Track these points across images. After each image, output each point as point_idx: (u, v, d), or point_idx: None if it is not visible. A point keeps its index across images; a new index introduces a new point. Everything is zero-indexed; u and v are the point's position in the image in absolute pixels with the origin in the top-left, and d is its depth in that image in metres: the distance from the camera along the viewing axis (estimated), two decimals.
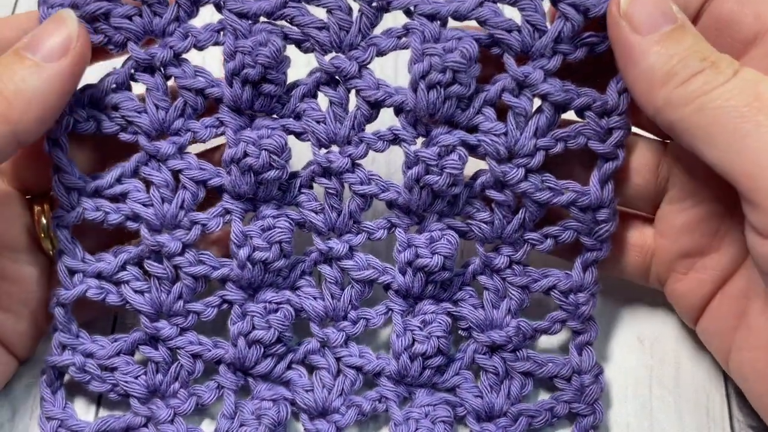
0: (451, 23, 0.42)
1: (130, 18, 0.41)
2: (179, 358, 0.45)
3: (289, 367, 0.46)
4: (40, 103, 0.38)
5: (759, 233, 0.37)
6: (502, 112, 0.43)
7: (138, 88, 0.43)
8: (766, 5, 0.40)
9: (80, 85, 0.41)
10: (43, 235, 0.44)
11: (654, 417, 0.47)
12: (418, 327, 0.44)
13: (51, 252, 0.44)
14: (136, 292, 0.44)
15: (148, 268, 0.44)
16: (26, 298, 0.44)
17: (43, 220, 0.44)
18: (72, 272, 0.43)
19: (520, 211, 0.44)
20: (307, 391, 0.45)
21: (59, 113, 0.40)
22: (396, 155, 0.45)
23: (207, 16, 0.43)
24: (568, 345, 0.46)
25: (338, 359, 0.46)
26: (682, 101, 0.37)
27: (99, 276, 0.44)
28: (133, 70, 0.42)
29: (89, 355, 0.44)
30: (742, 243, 0.41)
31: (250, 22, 0.41)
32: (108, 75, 0.42)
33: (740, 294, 0.42)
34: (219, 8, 0.41)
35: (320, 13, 0.42)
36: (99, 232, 0.44)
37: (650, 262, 0.47)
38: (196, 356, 0.45)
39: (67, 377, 0.45)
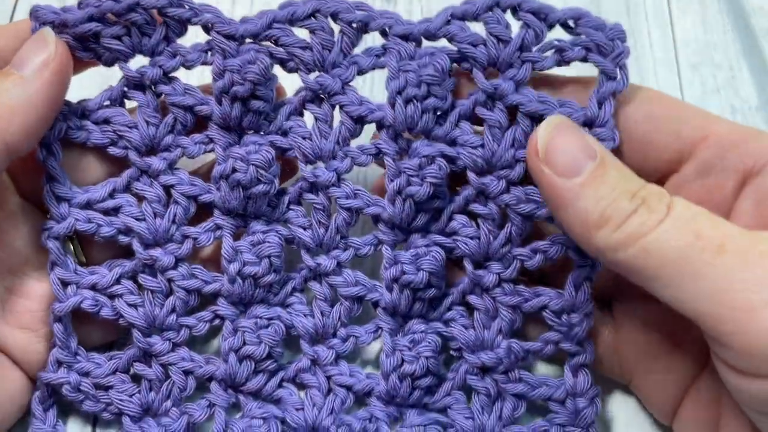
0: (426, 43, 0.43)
1: (119, 38, 0.43)
2: (171, 375, 0.45)
3: (279, 385, 0.46)
4: (25, 112, 0.40)
5: (733, 370, 0.36)
6: (481, 125, 0.43)
7: (132, 104, 0.45)
8: (684, 122, 0.41)
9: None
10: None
11: None
12: (407, 347, 0.44)
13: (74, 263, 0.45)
14: (129, 305, 0.45)
15: (142, 282, 0.45)
16: (46, 315, 0.44)
17: None
18: (65, 284, 0.44)
19: (506, 226, 0.44)
20: (297, 409, 0.45)
21: (47, 124, 0.41)
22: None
23: (192, 34, 0.45)
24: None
25: (329, 378, 0.45)
26: (622, 245, 0.36)
27: (94, 288, 0.45)
28: (125, 88, 0.44)
29: (85, 374, 0.44)
30: (702, 346, 0.40)
31: (236, 43, 0.43)
32: (104, 91, 0.44)
33: (712, 399, 0.41)
34: (207, 30, 0.43)
35: (303, 34, 0.43)
36: (109, 246, 0.45)
37: (614, 356, 0.45)
38: (187, 373, 0.45)
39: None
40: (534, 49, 0.42)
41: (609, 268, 0.39)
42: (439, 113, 0.43)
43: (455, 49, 0.42)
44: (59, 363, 0.45)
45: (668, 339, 0.43)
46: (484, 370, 0.45)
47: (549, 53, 0.42)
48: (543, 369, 0.48)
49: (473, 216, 0.45)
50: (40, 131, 0.41)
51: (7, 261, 0.43)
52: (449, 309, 0.46)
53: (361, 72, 0.43)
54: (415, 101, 0.41)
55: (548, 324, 0.44)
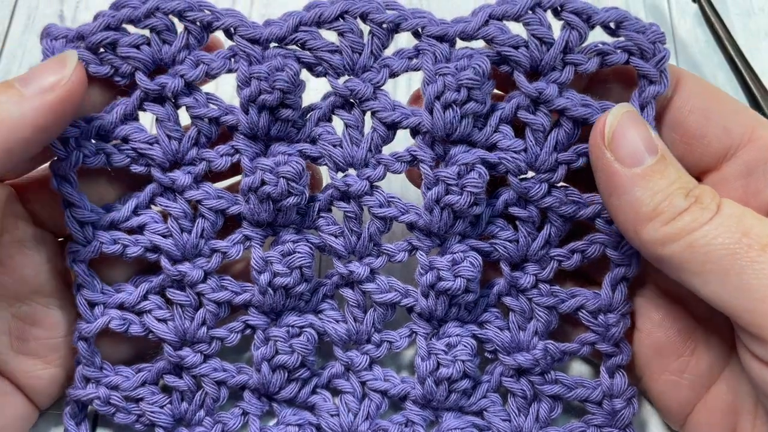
0: (460, 43, 0.41)
1: (137, 47, 0.40)
2: (203, 385, 0.45)
3: (313, 392, 0.45)
4: (10, 130, 0.37)
5: (762, 362, 0.37)
6: (519, 127, 0.42)
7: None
8: (734, 119, 0.40)
9: None
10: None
11: None
12: (443, 350, 0.43)
13: None
14: (159, 320, 0.44)
15: (170, 297, 0.44)
16: (56, 343, 0.44)
17: None
18: (92, 305, 0.43)
19: (545, 227, 0.43)
20: (332, 415, 0.45)
21: (33, 148, 0.38)
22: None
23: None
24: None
25: (363, 383, 0.45)
26: (670, 238, 0.37)
27: (121, 307, 0.44)
28: (141, 100, 0.42)
29: (114, 387, 0.44)
30: (719, 350, 0.42)
31: (261, 47, 0.40)
32: (115, 105, 0.42)
33: (727, 408, 0.41)
34: (229, 34, 0.41)
35: (329, 34, 0.41)
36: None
37: None
38: (220, 383, 0.45)
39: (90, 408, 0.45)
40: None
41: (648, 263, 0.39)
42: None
43: (491, 49, 0.40)
44: (87, 379, 0.44)
45: (687, 340, 0.43)
46: (520, 372, 0.45)
47: (592, 56, 0.40)
48: (574, 366, 0.48)
49: (510, 218, 0.44)
50: (20, 154, 0.38)
51: (16, 288, 0.42)
52: (484, 311, 0.45)
53: (393, 75, 0.41)
54: (454, 106, 0.40)
55: (585, 325, 0.44)
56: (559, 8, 0.39)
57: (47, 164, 0.42)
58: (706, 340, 0.42)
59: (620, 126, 0.38)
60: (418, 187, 0.44)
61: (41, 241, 0.42)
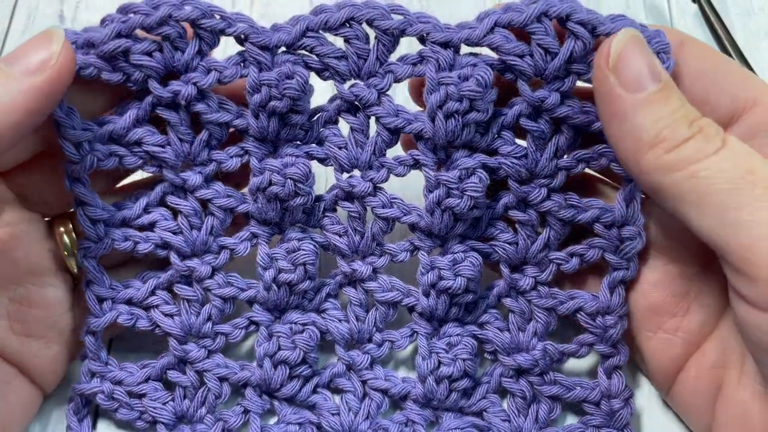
0: (464, 48, 0.42)
1: (150, 54, 0.40)
2: (206, 381, 0.45)
3: (314, 391, 0.46)
4: (1, 114, 0.36)
5: (750, 304, 0.36)
6: (519, 131, 0.43)
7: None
8: (740, 86, 0.40)
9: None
10: (66, 253, 0.44)
11: None
12: (444, 349, 0.44)
13: (75, 270, 0.44)
14: (165, 315, 0.45)
15: (178, 292, 0.45)
16: (54, 321, 0.44)
17: (66, 240, 0.44)
18: (101, 300, 0.44)
19: (545, 230, 0.44)
20: (333, 414, 0.45)
21: (24, 131, 0.37)
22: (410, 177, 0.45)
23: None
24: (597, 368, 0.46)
25: (364, 382, 0.46)
26: (672, 167, 0.36)
27: (129, 302, 0.45)
28: (153, 105, 0.42)
29: (118, 382, 0.45)
30: (712, 309, 0.42)
31: (270, 53, 0.42)
32: (127, 108, 0.42)
33: (715, 364, 0.42)
34: (240, 41, 0.42)
35: (333, 37, 0.42)
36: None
37: None
38: (222, 379, 0.45)
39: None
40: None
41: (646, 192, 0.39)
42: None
43: (495, 56, 0.41)
44: (93, 374, 0.45)
45: (681, 301, 0.43)
46: (520, 373, 0.45)
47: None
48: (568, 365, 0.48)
49: (510, 221, 0.45)
50: (10, 139, 0.37)
51: (9, 272, 0.42)
52: (484, 312, 0.46)
53: (397, 80, 0.43)
54: (456, 115, 0.41)
55: (583, 326, 0.45)
56: (565, 18, 0.39)
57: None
58: (699, 300, 0.43)
59: (625, 50, 0.37)
60: (418, 104, 0.44)
61: (30, 223, 0.42)
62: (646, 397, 0.47)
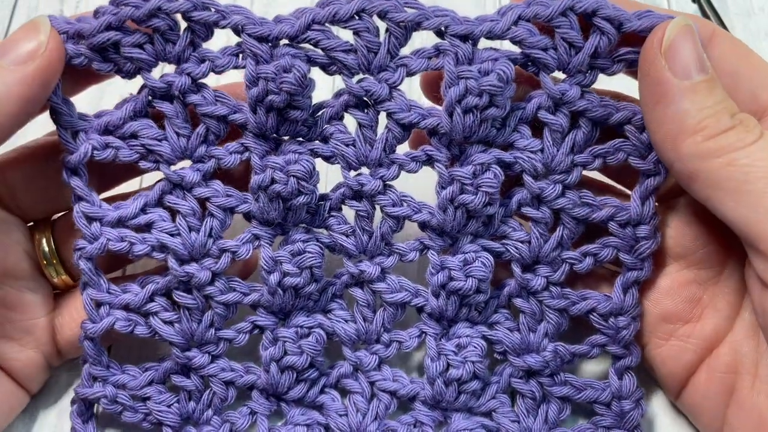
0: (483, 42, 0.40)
1: (141, 46, 0.39)
2: (211, 385, 0.44)
3: (322, 392, 0.45)
4: None
5: None
6: (535, 127, 0.42)
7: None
8: (763, 84, 0.40)
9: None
10: (45, 262, 0.44)
11: None
12: (453, 351, 0.43)
13: (54, 279, 0.44)
14: (165, 323, 0.43)
15: (177, 300, 0.43)
16: (29, 325, 0.43)
17: (45, 247, 0.44)
18: (98, 304, 0.43)
19: (558, 229, 0.43)
20: (341, 415, 0.44)
21: (20, 120, 0.38)
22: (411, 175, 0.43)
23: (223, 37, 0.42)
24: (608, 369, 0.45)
25: (372, 383, 0.45)
26: (712, 153, 0.37)
27: (126, 308, 0.43)
28: (150, 97, 0.41)
29: (121, 386, 0.43)
30: (725, 314, 0.42)
31: (270, 45, 0.39)
32: (125, 101, 0.41)
33: (728, 369, 0.42)
34: (237, 32, 0.40)
35: (343, 33, 0.40)
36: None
37: None
38: (228, 383, 0.44)
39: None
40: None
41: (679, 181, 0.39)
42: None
43: (517, 50, 0.40)
44: (94, 378, 0.44)
45: (694, 307, 0.43)
46: (530, 374, 0.44)
47: (618, 62, 0.40)
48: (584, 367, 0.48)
49: (524, 219, 0.43)
50: (8, 127, 0.38)
51: None
52: (495, 312, 0.45)
53: (410, 74, 0.40)
54: (475, 111, 0.39)
55: (595, 327, 0.44)
56: (591, 13, 0.38)
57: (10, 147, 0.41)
58: (713, 305, 0.43)
59: (677, 38, 0.38)
60: (430, 99, 0.43)
61: (10, 224, 0.42)
62: (660, 399, 0.47)
